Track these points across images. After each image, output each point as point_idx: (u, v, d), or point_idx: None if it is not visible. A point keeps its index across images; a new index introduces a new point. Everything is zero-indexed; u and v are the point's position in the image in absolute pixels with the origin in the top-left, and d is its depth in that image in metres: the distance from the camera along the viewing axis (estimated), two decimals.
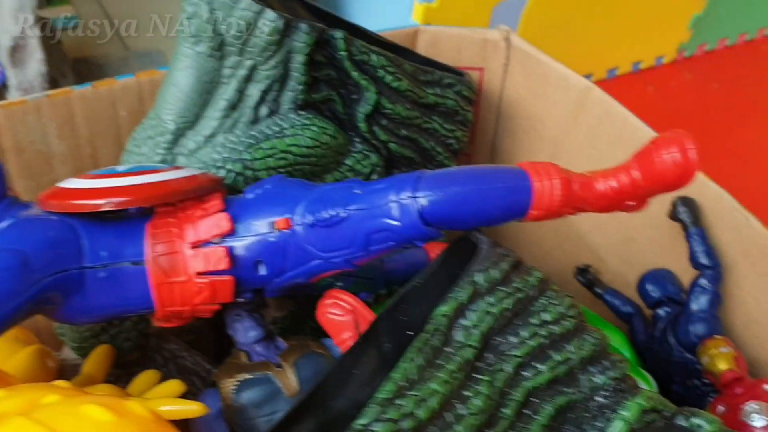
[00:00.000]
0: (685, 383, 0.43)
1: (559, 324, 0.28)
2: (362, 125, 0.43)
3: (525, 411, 0.26)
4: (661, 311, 0.45)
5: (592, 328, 0.29)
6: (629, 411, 0.27)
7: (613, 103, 0.49)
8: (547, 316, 0.28)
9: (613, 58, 0.89)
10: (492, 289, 0.27)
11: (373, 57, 0.42)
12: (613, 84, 0.90)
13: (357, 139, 0.44)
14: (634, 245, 0.49)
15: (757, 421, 0.36)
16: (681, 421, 0.28)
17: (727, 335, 0.45)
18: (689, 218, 0.43)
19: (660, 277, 0.46)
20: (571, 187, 0.31)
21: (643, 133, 0.48)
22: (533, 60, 0.52)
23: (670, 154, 0.31)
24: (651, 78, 0.92)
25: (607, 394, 0.28)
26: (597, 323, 0.45)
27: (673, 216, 0.44)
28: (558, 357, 0.27)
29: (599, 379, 0.28)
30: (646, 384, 0.42)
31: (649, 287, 0.46)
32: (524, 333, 0.27)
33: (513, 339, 0.27)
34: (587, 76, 0.89)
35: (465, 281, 0.27)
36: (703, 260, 0.43)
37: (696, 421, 0.28)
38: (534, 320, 0.28)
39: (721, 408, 0.38)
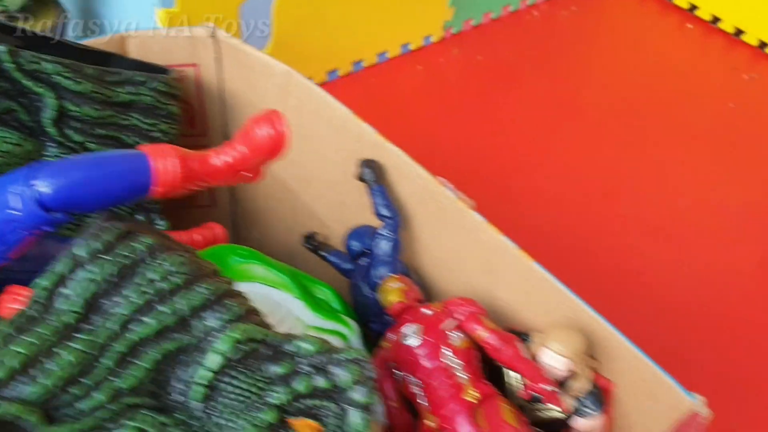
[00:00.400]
0: (380, 320, 0.48)
1: (167, 281, 0.32)
2: (51, 130, 0.45)
3: (129, 359, 0.30)
4: (362, 261, 0.50)
5: (209, 281, 0.33)
6: (223, 344, 0.31)
7: (310, 85, 0.54)
8: (154, 276, 0.32)
9: (381, 42, 0.95)
10: (93, 259, 0.31)
11: (47, 65, 0.44)
12: (384, 67, 0.96)
13: (51, 144, 0.46)
14: (346, 208, 0.55)
15: (412, 340, 0.41)
16: (287, 346, 0.33)
17: (419, 274, 0.51)
18: (371, 177, 0.49)
19: (360, 232, 0.51)
20: (189, 164, 0.35)
21: (336, 108, 0.53)
22: (240, 52, 0.56)
23: (264, 130, 0.36)
24: (420, 57, 0.99)
25: (218, 335, 0.32)
26: (308, 281, 0.50)
27: (360, 177, 0.50)
28: (166, 309, 0.31)
29: (212, 323, 0.32)
30: (347, 328, 0.48)
31: (352, 242, 0.51)
32: (130, 293, 0.31)
33: (119, 300, 0.31)
34: (358, 62, 0.95)
35: (65, 255, 0.31)
36: (383, 212, 0.48)
37: (300, 344, 0.33)
38: (140, 281, 0.31)
39: (392, 336, 0.44)
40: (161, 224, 0.50)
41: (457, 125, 0.91)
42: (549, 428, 0.41)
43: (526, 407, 0.41)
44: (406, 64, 0.98)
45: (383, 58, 0.97)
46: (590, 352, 0.41)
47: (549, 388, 0.38)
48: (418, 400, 0.40)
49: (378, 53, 0.96)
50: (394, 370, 0.42)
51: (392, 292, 0.44)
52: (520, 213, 0.81)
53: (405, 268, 0.49)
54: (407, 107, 0.93)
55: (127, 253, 0.31)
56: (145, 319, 0.31)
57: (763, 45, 1.10)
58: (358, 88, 0.94)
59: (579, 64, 1.06)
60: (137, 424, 0.29)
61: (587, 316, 0.42)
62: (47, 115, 0.45)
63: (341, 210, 0.55)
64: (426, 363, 0.40)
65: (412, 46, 0.99)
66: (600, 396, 0.40)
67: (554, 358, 0.39)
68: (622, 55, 1.09)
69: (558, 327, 0.40)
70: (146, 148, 0.35)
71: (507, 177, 0.86)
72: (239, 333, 0.31)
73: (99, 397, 0.29)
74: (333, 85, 0.93)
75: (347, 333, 0.47)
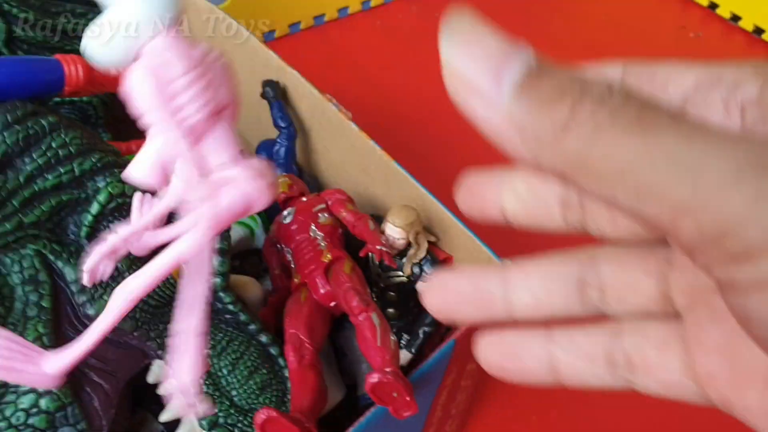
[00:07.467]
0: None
1: (65, 148, 0.41)
2: (4, 50, 0.55)
3: (33, 203, 0.40)
4: None
5: (100, 153, 0.43)
6: (101, 195, 0.41)
7: (229, 19, 0.63)
8: (53, 144, 0.41)
9: None
10: (5, 128, 0.40)
11: None
12: (344, 22, 1.05)
13: None
14: (261, 123, 0.64)
15: (288, 219, 0.50)
16: None
17: (317, 177, 0.60)
18: (271, 95, 0.58)
19: (267, 143, 0.60)
20: (92, 72, 0.45)
21: (247, 36, 0.62)
22: None
23: None
24: (380, 14, 1.08)
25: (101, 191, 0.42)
26: None
27: (262, 95, 0.59)
28: (62, 170, 0.41)
29: (101, 184, 0.42)
30: (253, 221, 0.57)
31: (260, 152, 0.60)
32: (36, 156, 0.41)
33: (26, 160, 0.40)
34: (320, 16, 1.03)
35: None
36: (280, 123, 0.57)
37: None
38: (44, 147, 0.41)
39: (277, 219, 0.53)
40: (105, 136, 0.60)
41: (409, 78, 0.99)
42: (400, 291, 0.50)
43: (381, 275, 0.50)
44: (367, 19, 1.06)
45: (344, 14, 1.05)
46: (430, 229, 0.50)
47: (381, 248, 0.47)
48: (291, 265, 0.50)
49: (339, 8, 1.04)
50: (276, 245, 0.52)
51: (279, 185, 0.54)
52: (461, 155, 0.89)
53: (298, 170, 0.58)
54: (365, 60, 1.01)
55: (32, 125, 0.41)
56: (47, 175, 0.41)
57: (713, 6, 1.15)
58: (318, 41, 1.02)
59: (538, 25, 1.13)
60: (37, 247, 0.39)
61: (429, 202, 0.50)
62: None
63: (258, 125, 0.64)
64: (297, 236, 0.49)
65: (372, 3, 1.08)
66: (437, 262, 0.49)
67: (393, 229, 0.48)
68: (583, 19, 1.15)
69: (397, 206, 0.49)
70: (59, 57, 0.44)
71: (449, 123, 0.94)
72: (113, 188, 0.41)
73: (7, 226, 0.39)
74: (295, 37, 1.02)
75: (253, 225, 0.57)
